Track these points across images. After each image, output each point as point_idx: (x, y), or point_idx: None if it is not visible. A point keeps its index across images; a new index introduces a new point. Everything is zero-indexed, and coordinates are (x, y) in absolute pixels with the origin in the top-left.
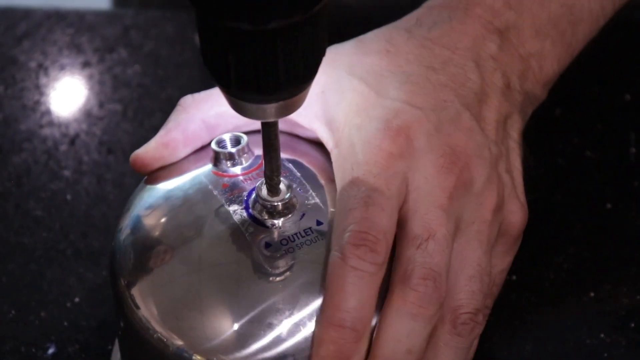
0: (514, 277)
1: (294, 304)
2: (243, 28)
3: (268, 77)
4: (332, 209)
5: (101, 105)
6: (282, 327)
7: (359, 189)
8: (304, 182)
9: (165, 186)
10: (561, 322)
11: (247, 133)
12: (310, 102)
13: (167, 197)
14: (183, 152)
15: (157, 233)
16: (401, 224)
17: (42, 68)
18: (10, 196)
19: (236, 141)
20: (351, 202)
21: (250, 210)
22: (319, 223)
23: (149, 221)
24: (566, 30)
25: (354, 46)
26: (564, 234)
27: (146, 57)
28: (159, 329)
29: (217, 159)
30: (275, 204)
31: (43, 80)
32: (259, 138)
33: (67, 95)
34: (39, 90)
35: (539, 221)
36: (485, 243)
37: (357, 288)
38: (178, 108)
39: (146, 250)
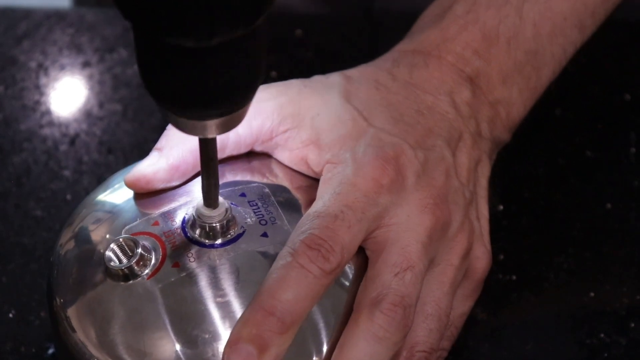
0: (514, 277)
1: None
2: (185, 45)
3: (210, 92)
4: (277, 228)
5: (101, 105)
6: None
7: (336, 201)
8: (258, 203)
9: (112, 201)
10: (561, 322)
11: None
12: (304, 125)
13: (114, 213)
14: (189, 175)
15: (99, 250)
16: (378, 252)
17: (42, 68)
18: (10, 196)
19: (129, 249)
20: (322, 210)
21: (187, 231)
22: (263, 240)
23: (91, 237)
24: (531, 76)
25: (343, 78)
26: (564, 234)
27: None
28: (96, 354)
29: (114, 276)
30: (214, 224)
31: (43, 80)
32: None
33: (67, 95)
34: (39, 90)
35: (539, 221)
36: (447, 285)
37: (298, 284)
38: None
39: (86, 268)
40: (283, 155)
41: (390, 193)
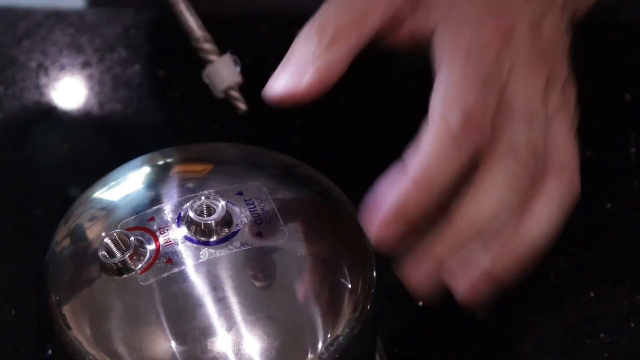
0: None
1: (237, 324)
2: None
3: None
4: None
5: (101, 105)
6: (224, 349)
7: (475, 70)
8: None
9: (107, 198)
10: (561, 322)
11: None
12: None
13: (109, 209)
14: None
15: (94, 247)
16: (504, 102)
17: (42, 68)
18: (11, 196)
19: (123, 244)
20: (467, 80)
21: (182, 228)
22: (257, 239)
23: (86, 234)
24: None
25: None
26: (564, 234)
27: (146, 57)
28: (92, 352)
29: (108, 270)
30: (209, 222)
31: (43, 80)
32: None
33: (67, 95)
34: (39, 90)
35: None
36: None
37: (453, 162)
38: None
39: (80, 265)
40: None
41: (509, 48)
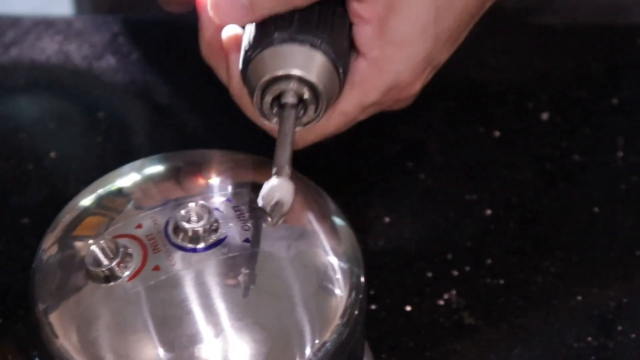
0: (502, 281)
1: (225, 331)
2: None
3: None
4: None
5: (89, 112)
6: (212, 356)
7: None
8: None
9: (95, 205)
10: (549, 325)
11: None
12: None
13: (96, 216)
14: None
15: (81, 254)
16: None
17: (31, 76)
18: (10, 196)
19: (111, 251)
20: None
21: (169, 235)
22: (245, 245)
23: (73, 242)
24: None
25: None
26: (552, 238)
27: (134, 64)
28: (79, 359)
29: (95, 278)
30: (197, 229)
31: (31, 87)
32: None
33: (55, 102)
34: (27, 97)
35: (526, 225)
36: None
37: None
38: None
39: (68, 273)
40: None
41: None
